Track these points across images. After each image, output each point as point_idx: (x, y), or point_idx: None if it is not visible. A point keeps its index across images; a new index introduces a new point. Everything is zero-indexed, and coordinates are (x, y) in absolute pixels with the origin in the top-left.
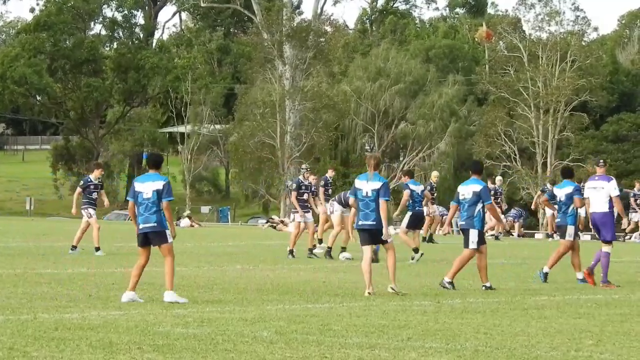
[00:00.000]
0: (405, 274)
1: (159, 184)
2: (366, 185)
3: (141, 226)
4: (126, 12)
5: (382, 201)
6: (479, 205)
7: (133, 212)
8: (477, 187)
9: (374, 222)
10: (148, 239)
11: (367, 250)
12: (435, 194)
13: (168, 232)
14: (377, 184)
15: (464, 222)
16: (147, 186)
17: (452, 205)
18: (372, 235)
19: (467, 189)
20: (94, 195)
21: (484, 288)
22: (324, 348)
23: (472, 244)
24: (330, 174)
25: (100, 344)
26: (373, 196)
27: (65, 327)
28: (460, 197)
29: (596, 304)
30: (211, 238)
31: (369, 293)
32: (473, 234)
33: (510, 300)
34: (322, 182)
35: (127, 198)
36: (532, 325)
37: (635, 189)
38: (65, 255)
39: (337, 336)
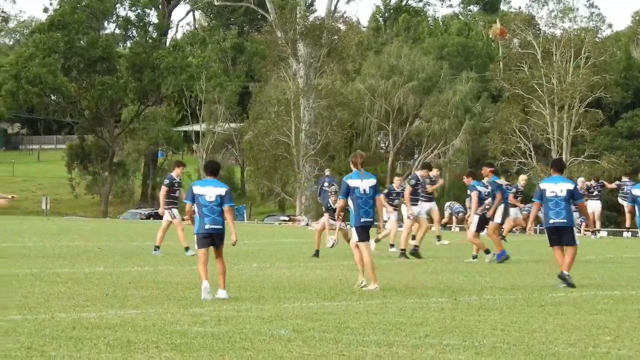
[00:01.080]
0: (421, 271)
1: (222, 190)
2: (361, 183)
3: (208, 226)
4: (139, 11)
5: (378, 197)
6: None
7: (191, 215)
8: (570, 186)
9: (372, 219)
10: (211, 239)
11: (368, 245)
12: (519, 198)
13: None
14: (373, 181)
15: (564, 220)
16: (209, 190)
17: (536, 202)
18: (369, 231)
19: (558, 187)
20: (177, 193)
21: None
22: (342, 346)
23: (575, 240)
24: (422, 173)
25: (118, 343)
26: (371, 193)
27: (82, 326)
28: (550, 194)
29: (613, 300)
30: (227, 236)
31: (370, 287)
32: (574, 230)
33: (527, 296)
34: (413, 182)
35: (185, 201)
36: (549, 322)
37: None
38: (81, 255)
39: (354, 334)
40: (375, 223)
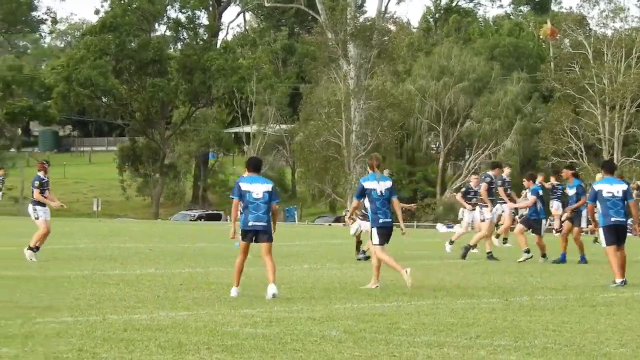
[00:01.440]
0: (472, 271)
1: (269, 187)
2: (378, 185)
3: (251, 223)
4: (190, 12)
5: (395, 199)
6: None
7: (237, 210)
8: (624, 186)
9: (391, 220)
10: (253, 235)
11: (384, 248)
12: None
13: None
14: (388, 183)
15: (622, 219)
16: (256, 187)
17: (590, 204)
18: (390, 233)
19: (614, 188)
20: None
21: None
22: (393, 347)
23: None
24: (495, 172)
25: (169, 345)
26: (387, 195)
27: (134, 328)
28: (607, 195)
29: None
30: (278, 238)
31: (377, 286)
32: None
33: (578, 297)
34: (488, 179)
35: (232, 197)
36: (601, 322)
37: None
38: (132, 256)
39: (405, 335)
40: (394, 224)
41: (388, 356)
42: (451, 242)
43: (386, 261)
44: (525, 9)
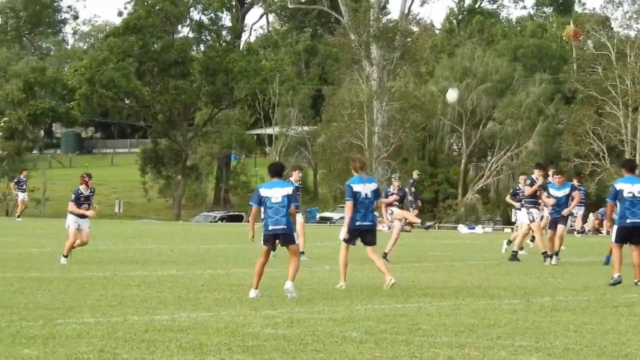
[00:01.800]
0: (494, 272)
1: (289, 190)
2: (364, 187)
3: (271, 227)
4: (212, 14)
5: (379, 202)
6: None
7: (255, 217)
8: None
9: (372, 223)
10: (274, 239)
11: (348, 248)
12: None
13: (295, 234)
14: (374, 185)
15: (638, 220)
16: (275, 192)
17: (610, 203)
18: (373, 235)
19: (635, 188)
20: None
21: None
22: (414, 347)
23: None
24: (536, 174)
25: (190, 346)
26: (372, 197)
27: (155, 329)
28: (627, 195)
29: None
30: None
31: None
32: None
33: (600, 298)
34: (529, 181)
35: (251, 203)
36: (622, 323)
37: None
38: (154, 258)
39: (426, 335)
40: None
41: (409, 357)
42: (509, 242)
43: (340, 260)
44: (548, 10)
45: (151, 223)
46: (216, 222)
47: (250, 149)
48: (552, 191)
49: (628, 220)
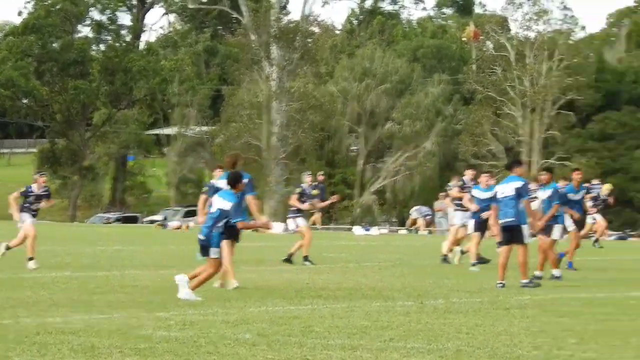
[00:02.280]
0: (388, 274)
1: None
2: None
3: (200, 236)
4: (112, 14)
5: (249, 196)
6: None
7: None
8: (519, 183)
9: (241, 219)
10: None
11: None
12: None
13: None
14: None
15: (510, 219)
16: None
17: (493, 205)
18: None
19: (508, 187)
20: None
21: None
22: (306, 350)
23: (525, 239)
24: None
25: (82, 348)
26: (240, 194)
27: (47, 332)
28: (500, 196)
29: (579, 302)
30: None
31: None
32: (525, 229)
33: (493, 300)
34: (461, 183)
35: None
36: (514, 325)
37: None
38: (49, 259)
39: (319, 337)
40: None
41: (301, 359)
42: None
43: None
44: (449, 11)
45: (46, 224)
46: (110, 223)
47: (148, 149)
48: (477, 193)
49: (501, 221)
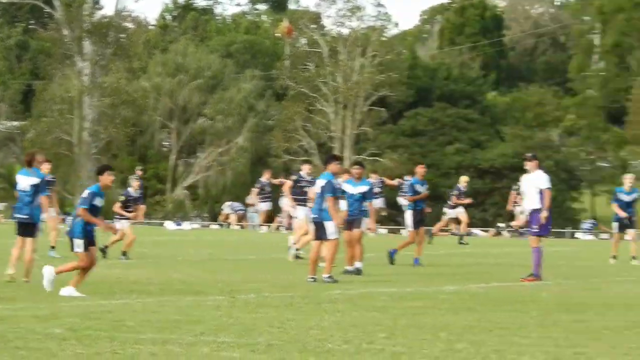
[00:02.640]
0: (200, 269)
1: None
2: (27, 180)
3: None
4: None
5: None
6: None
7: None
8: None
9: (28, 217)
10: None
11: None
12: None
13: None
14: (36, 179)
15: (317, 215)
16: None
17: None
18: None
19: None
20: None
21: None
22: (117, 344)
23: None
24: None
25: None
26: (31, 191)
27: None
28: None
29: (390, 297)
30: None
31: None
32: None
33: (305, 294)
34: (295, 177)
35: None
36: (325, 319)
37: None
38: None
39: (130, 332)
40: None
41: (111, 353)
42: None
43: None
44: (263, 7)
45: None
46: None
47: None
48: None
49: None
